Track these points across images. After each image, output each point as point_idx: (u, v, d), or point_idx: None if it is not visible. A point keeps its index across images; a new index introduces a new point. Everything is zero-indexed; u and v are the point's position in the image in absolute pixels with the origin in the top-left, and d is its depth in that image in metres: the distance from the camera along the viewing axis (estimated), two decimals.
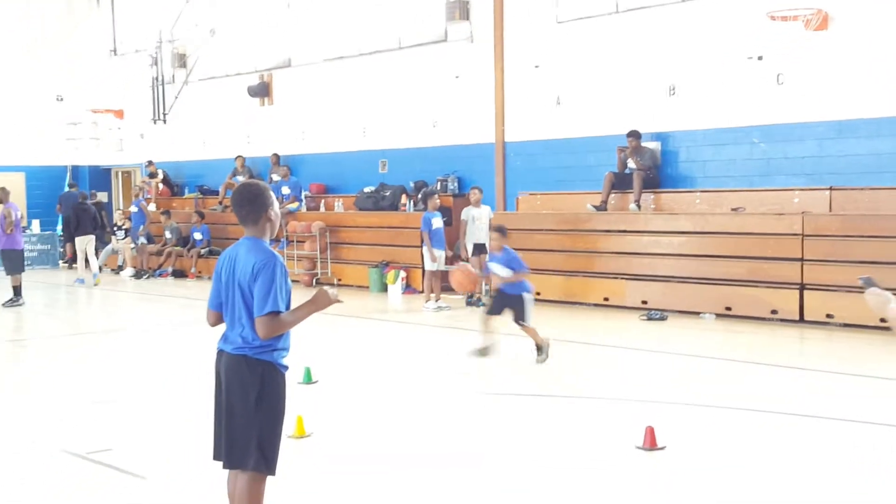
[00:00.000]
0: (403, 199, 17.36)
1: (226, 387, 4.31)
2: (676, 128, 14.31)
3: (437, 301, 14.07)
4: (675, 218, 13.52)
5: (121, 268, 21.59)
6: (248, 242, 4.36)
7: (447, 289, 13.20)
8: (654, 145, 14.48)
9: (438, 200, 15.15)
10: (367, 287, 16.74)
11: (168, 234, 20.94)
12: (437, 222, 14.40)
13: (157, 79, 22.94)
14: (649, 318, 12.58)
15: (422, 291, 15.08)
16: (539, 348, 9.47)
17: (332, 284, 16.43)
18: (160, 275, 20.44)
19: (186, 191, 23.36)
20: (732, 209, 13.07)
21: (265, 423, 4.27)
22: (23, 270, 15.82)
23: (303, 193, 19.42)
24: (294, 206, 18.96)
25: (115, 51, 25.04)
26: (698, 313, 12.65)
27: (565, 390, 8.41)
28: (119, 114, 24.94)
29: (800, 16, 12.48)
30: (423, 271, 14.71)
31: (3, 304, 15.31)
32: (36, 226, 23.44)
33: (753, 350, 10.31)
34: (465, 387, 8.75)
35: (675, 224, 13.42)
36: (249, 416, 4.24)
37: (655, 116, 14.42)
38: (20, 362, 11.13)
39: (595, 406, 7.84)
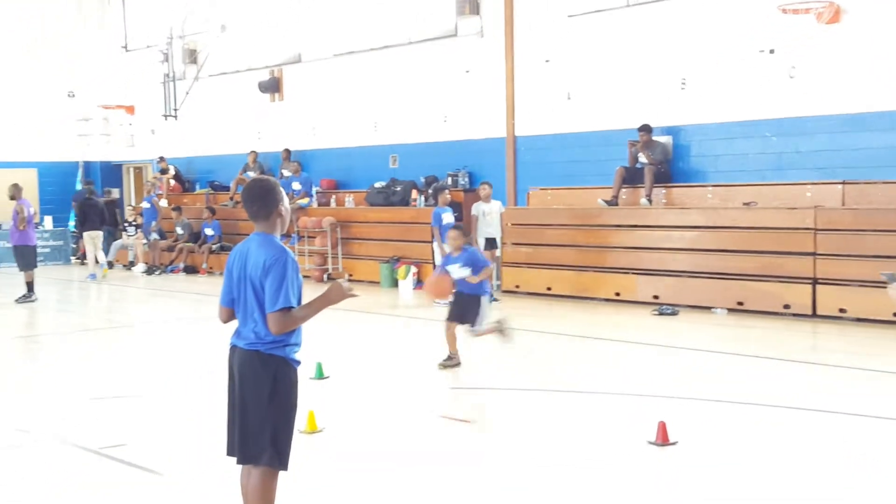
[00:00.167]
0: (414, 194, 17.37)
1: (239, 382, 4.32)
2: (688, 122, 14.26)
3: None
4: (687, 212, 13.48)
5: (132, 263, 21.67)
6: (258, 238, 4.37)
7: None
8: (665, 139, 14.44)
9: (449, 195, 15.15)
10: (378, 282, 16.75)
11: (179, 230, 21.00)
12: (448, 217, 14.40)
13: (167, 75, 22.99)
14: (661, 314, 12.54)
15: None
16: (501, 333, 9.08)
17: (345, 279, 16.44)
18: (172, 271, 20.50)
19: (198, 186, 23.41)
20: (744, 203, 13.02)
21: (278, 418, 4.28)
22: (35, 266, 15.89)
23: (313, 189, 19.44)
24: (305, 201, 18.98)
25: (125, 47, 25.12)
26: (710, 308, 12.61)
27: (577, 386, 8.39)
28: (130, 110, 25.03)
29: (812, 9, 12.42)
30: (434, 266, 14.71)
31: (16, 300, 15.38)
32: (48, 222, 23.55)
33: (766, 345, 10.26)
34: (477, 382, 8.74)
35: (687, 219, 13.38)
36: (262, 411, 4.25)
37: (666, 110, 14.37)
38: (33, 358, 11.17)
39: (607, 401, 7.83)
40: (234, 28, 21.81)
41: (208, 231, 20.43)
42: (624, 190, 14.39)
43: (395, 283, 16.46)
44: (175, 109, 23.10)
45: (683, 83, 14.21)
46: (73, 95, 25.31)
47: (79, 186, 23.90)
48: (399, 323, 13.06)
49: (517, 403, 7.89)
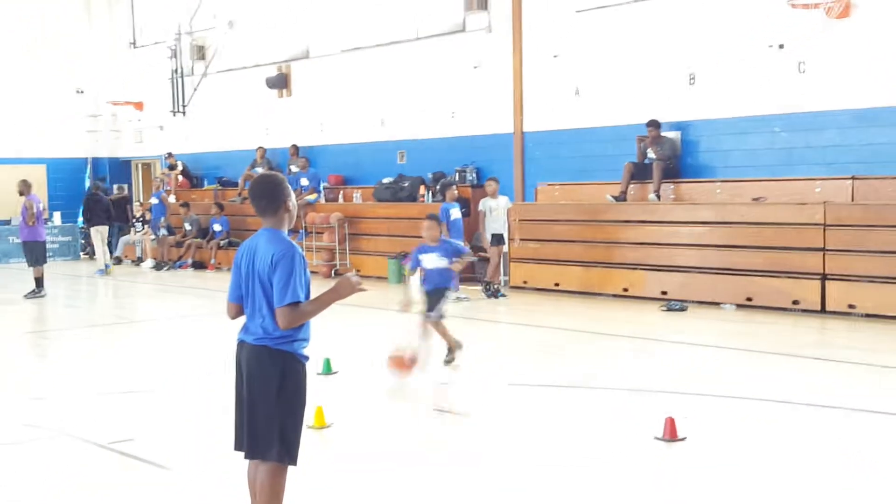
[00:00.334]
0: (422, 189, 17.36)
1: (247, 378, 4.32)
2: (696, 117, 14.21)
3: (455, 291, 14.02)
4: (696, 208, 13.45)
5: (140, 259, 21.72)
6: (266, 233, 4.36)
7: (466, 279, 13.16)
8: (673, 135, 14.39)
9: (456, 191, 15.14)
10: (386, 278, 16.76)
11: (188, 226, 21.05)
12: (456, 213, 14.38)
13: (176, 71, 23.04)
14: (669, 309, 12.52)
15: None
16: (450, 349, 9.14)
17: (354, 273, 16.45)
18: (180, 266, 20.55)
19: (206, 182, 23.45)
20: (753, 199, 12.98)
21: (287, 413, 4.28)
22: (45, 262, 15.95)
23: (321, 185, 19.45)
24: (313, 197, 18.99)
25: (134, 43, 25.17)
26: (719, 304, 12.58)
27: (585, 381, 8.38)
28: (139, 106, 25.07)
29: (821, 3, 12.37)
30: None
31: (25, 296, 15.44)
32: (57, 217, 23.64)
33: (775, 341, 10.23)
34: (484, 377, 8.74)
35: (696, 214, 13.34)
36: (271, 406, 4.25)
37: (675, 106, 14.33)
38: (41, 354, 11.21)
39: (614, 397, 7.81)
40: (242, 24, 21.82)
41: (216, 227, 20.47)
42: (632, 185, 14.35)
43: (402, 279, 16.44)
44: (183, 105, 23.14)
45: (692, 78, 14.16)
46: (82, 92, 25.37)
47: (87, 183, 23.97)
48: (406, 318, 13.04)
49: (525, 399, 7.88)
